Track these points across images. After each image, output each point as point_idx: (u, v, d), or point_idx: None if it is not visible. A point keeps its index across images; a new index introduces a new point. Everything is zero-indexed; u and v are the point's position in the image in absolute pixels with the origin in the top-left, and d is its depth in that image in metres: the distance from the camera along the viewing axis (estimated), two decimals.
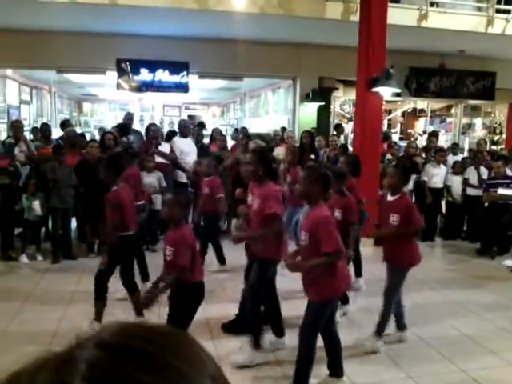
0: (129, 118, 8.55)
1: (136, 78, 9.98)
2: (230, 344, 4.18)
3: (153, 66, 9.99)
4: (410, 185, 8.24)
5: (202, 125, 10.38)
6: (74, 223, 7.21)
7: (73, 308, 4.95)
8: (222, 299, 5.20)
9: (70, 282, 5.73)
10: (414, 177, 8.27)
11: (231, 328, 4.44)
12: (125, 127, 8.13)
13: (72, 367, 0.45)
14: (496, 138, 14.57)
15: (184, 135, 7.94)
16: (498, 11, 9.30)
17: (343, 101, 13.27)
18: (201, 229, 6.03)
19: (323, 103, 10.64)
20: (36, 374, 0.46)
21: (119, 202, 4.29)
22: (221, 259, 6.25)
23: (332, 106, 11.63)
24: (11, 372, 0.47)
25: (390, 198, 4.25)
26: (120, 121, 9.28)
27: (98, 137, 10.50)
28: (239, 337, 4.19)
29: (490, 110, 14.89)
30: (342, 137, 10.77)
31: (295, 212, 6.30)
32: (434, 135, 9.92)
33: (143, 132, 8.26)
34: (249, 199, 4.33)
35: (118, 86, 10.06)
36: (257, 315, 4.02)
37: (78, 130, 10.65)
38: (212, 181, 6.02)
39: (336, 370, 3.55)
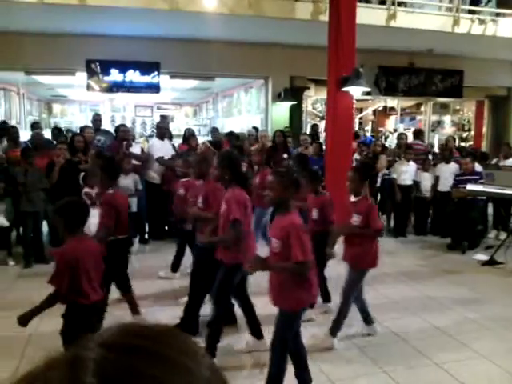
0: (96, 118, 8.45)
1: (106, 78, 9.86)
2: None
3: (123, 66, 9.87)
4: (378, 182, 8.38)
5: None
6: (45, 227, 7.09)
7: (47, 313, 4.86)
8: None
9: (43, 287, 5.62)
10: (381, 174, 8.41)
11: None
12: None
13: (82, 365, 0.49)
14: (464, 134, 14.92)
15: (160, 136, 7.90)
16: (471, 12, 9.55)
17: (315, 100, 13.37)
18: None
19: (295, 102, 10.69)
20: (49, 372, 0.49)
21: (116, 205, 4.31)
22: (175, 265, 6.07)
23: (304, 105, 11.71)
24: (24, 372, 0.50)
25: (352, 199, 4.32)
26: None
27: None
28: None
29: (458, 107, 15.22)
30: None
31: (263, 214, 6.34)
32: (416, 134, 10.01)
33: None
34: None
35: (88, 87, 9.93)
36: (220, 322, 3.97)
37: (49, 132, 10.45)
38: (188, 182, 5.79)
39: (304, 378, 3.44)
